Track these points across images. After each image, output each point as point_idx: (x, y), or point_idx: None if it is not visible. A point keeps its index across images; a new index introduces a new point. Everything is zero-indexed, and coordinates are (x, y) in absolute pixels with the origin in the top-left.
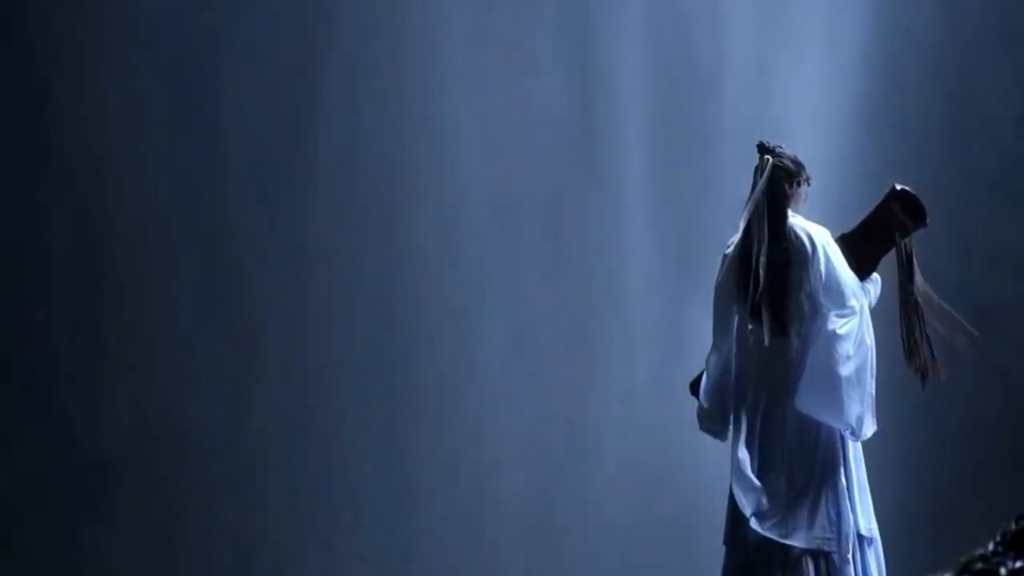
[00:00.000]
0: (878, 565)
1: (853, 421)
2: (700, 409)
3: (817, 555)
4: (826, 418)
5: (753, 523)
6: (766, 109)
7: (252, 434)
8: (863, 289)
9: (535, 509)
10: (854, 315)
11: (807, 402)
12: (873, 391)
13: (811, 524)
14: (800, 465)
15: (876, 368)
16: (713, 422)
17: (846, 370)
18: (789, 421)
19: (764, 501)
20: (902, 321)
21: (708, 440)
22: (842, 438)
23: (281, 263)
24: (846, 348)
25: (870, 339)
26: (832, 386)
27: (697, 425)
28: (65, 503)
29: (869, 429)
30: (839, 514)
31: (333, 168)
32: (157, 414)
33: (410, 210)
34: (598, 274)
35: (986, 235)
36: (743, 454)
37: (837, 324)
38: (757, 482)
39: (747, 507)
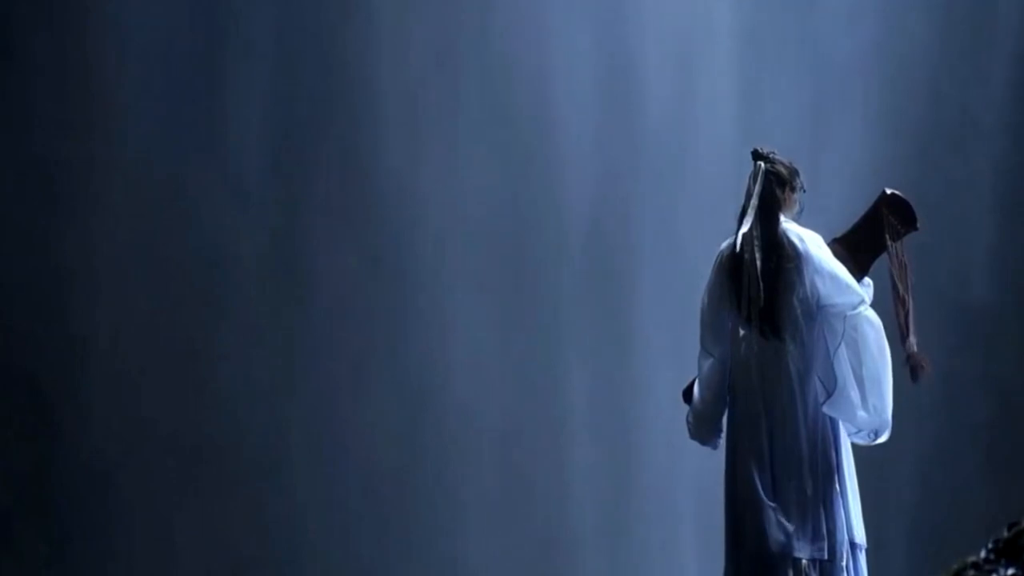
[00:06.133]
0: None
1: (888, 418)
2: (692, 416)
3: (813, 562)
4: (860, 418)
5: (775, 545)
6: (760, 118)
7: (250, 443)
8: None
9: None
10: (865, 303)
11: (839, 404)
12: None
13: (813, 532)
14: (807, 473)
15: None
16: (707, 430)
17: (885, 360)
18: (796, 428)
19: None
20: (898, 317)
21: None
22: (836, 446)
23: (279, 273)
24: (880, 334)
25: None
26: (876, 382)
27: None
28: (62, 511)
29: (889, 431)
30: (835, 522)
31: (329, 173)
32: (155, 423)
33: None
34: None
35: (979, 243)
36: (764, 489)
37: (861, 309)
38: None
39: (775, 540)
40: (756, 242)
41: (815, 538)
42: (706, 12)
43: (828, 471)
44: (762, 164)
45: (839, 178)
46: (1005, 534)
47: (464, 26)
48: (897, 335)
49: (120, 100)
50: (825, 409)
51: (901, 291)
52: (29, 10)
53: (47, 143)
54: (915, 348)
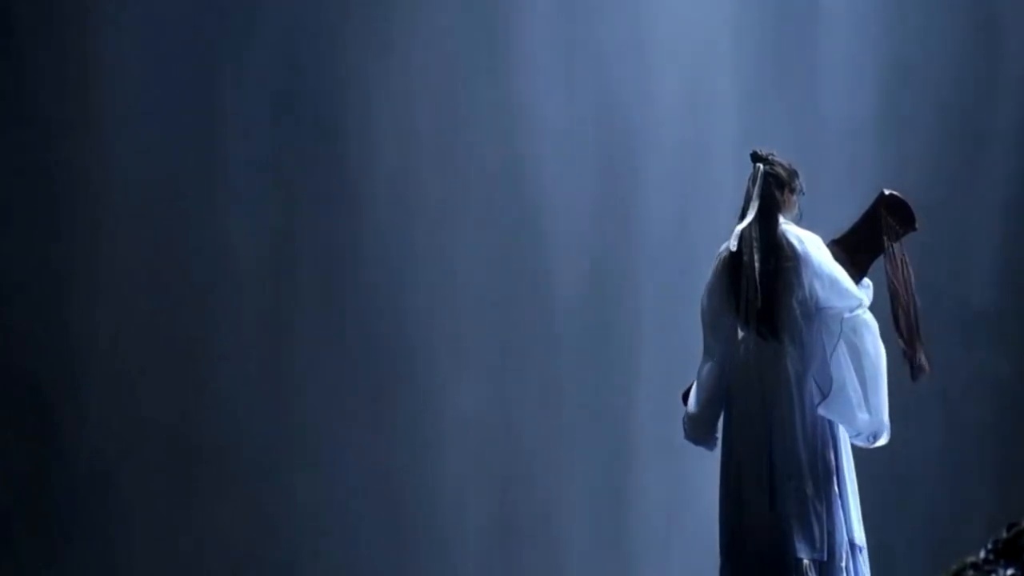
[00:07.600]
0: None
1: (884, 420)
2: (689, 417)
3: (812, 563)
4: (860, 420)
5: (775, 545)
6: (759, 122)
7: (249, 443)
8: None
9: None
10: (863, 306)
11: (837, 406)
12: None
13: (813, 533)
14: (806, 474)
15: None
16: (703, 431)
17: (881, 362)
18: (795, 430)
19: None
20: (898, 320)
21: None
22: (836, 447)
23: (279, 273)
24: (876, 337)
25: None
26: (873, 384)
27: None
28: (62, 511)
29: (888, 434)
30: (835, 523)
31: (329, 173)
32: (155, 423)
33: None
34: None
35: (980, 243)
36: (762, 490)
37: (859, 312)
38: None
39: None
40: (755, 243)
41: (814, 539)
42: (710, 14)
43: (827, 472)
44: (761, 166)
45: (840, 180)
46: (1005, 534)
47: (466, 26)
48: (894, 336)
49: (119, 100)
50: (821, 411)
51: (902, 294)
52: (29, 10)
53: (47, 143)
54: (921, 359)
